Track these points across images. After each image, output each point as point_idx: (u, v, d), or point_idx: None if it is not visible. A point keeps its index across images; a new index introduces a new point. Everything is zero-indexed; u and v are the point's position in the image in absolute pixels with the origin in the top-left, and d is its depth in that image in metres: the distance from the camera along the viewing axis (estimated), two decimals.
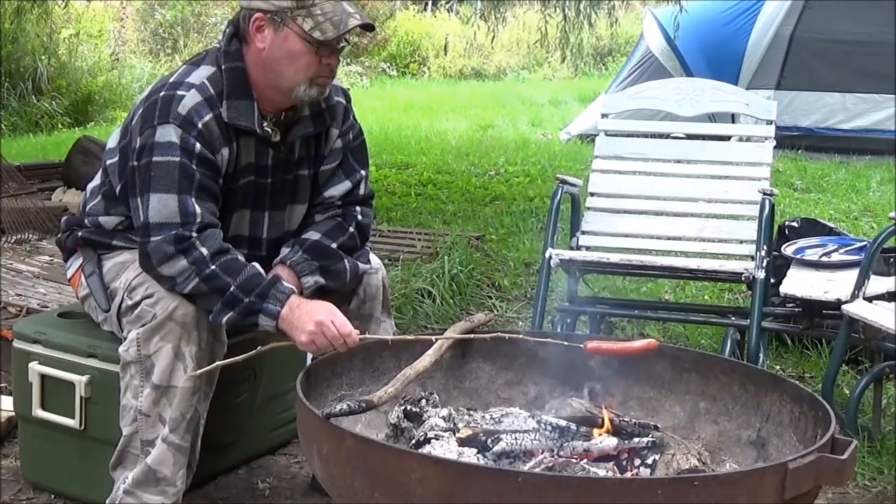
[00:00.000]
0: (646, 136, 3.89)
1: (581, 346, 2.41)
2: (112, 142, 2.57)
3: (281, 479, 2.87)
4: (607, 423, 2.25)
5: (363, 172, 2.68)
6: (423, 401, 2.37)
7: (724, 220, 3.63)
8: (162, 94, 2.40)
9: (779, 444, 2.25)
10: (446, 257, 4.61)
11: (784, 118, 7.40)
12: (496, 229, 5.61)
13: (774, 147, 3.65)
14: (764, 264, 3.27)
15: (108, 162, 2.54)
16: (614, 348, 2.40)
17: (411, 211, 6.08)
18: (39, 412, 2.67)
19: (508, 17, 7.26)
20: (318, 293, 2.49)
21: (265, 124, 2.46)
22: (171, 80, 2.44)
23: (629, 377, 2.50)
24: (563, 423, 2.24)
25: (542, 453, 2.14)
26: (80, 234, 2.58)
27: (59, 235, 2.68)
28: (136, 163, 2.38)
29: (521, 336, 2.49)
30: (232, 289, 2.31)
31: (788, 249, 3.65)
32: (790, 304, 3.52)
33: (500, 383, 2.58)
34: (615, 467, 2.15)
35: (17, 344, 2.73)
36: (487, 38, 8.37)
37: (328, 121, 2.57)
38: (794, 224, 3.99)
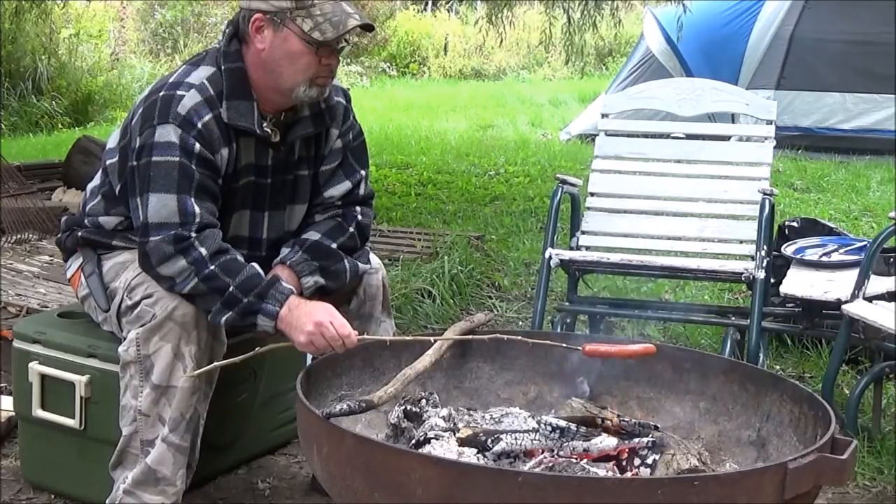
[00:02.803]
0: (646, 136, 3.89)
1: (579, 348, 2.41)
2: (112, 142, 2.57)
3: (281, 479, 2.87)
4: (610, 422, 2.25)
5: (363, 172, 2.68)
6: (423, 401, 2.37)
7: (724, 220, 3.63)
8: (161, 94, 2.40)
9: (779, 444, 2.25)
10: (446, 257, 4.61)
11: (784, 118, 7.40)
12: (496, 229, 5.62)
13: (774, 147, 3.65)
14: (764, 264, 3.27)
15: (108, 162, 2.54)
16: (612, 351, 2.40)
17: (411, 211, 6.08)
18: (39, 412, 2.67)
19: (507, 18, 7.23)
20: (318, 293, 2.49)
21: (265, 125, 2.46)
22: (170, 80, 2.44)
23: (629, 377, 2.50)
24: (563, 423, 2.24)
25: (542, 453, 2.14)
26: (79, 234, 2.58)
27: (59, 235, 2.68)
28: (135, 163, 2.38)
29: (519, 338, 2.49)
30: (231, 289, 2.31)
31: (788, 249, 3.65)
32: (790, 304, 3.52)
33: (500, 383, 2.58)
34: (615, 467, 2.15)
35: (17, 344, 2.73)
36: (496, 41, 8.36)
37: (328, 121, 2.57)
38: (794, 224, 3.99)
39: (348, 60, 14.73)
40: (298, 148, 2.57)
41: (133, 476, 2.41)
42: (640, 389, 2.50)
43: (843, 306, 3.04)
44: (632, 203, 3.73)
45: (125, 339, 2.41)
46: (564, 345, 2.46)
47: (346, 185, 2.64)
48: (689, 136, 3.82)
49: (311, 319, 2.29)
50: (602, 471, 2.10)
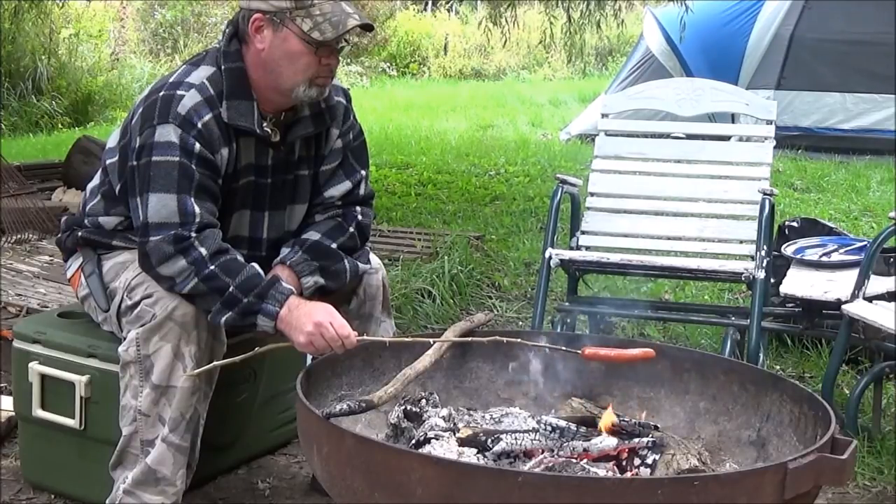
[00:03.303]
0: (646, 136, 3.89)
1: (579, 352, 2.41)
2: (112, 141, 2.57)
3: (281, 479, 2.87)
4: (609, 423, 2.25)
5: (363, 172, 2.68)
6: (423, 401, 2.37)
7: (724, 220, 3.62)
8: (162, 93, 2.40)
9: (779, 444, 2.25)
10: (446, 257, 4.61)
11: (784, 118, 7.40)
12: (496, 229, 5.62)
13: (774, 147, 3.65)
14: (764, 264, 3.26)
15: (108, 162, 2.54)
16: (612, 355, 2.40)
17: (411, 211, 6.08)
18: (39, 412, 2.67)
19: (510, 18, 7.25)
20: (318, 293, 2.49)
21: (265, 124, 2.46)
22: (170, 80, 2.44)
23: (629, 377, 2.50)
24: (563, 423, 2.24)
25: (542, 453, 2.14)
26: (79, 234, 2.58)
27: (59, 235, 2.68)
28: (135, 162, 2.38)
29: (518, 341, 2.49)
30: (231, 289, 2.31)
31: (788, 249, 3.65)
32: (790, 304, 3.52)
33: (500, 383, 2.58)
34: (615, 467, 2.15)
35: (17, 344, 2.73)
36: (500, 42, 8.37)
37: (328, 121, 2.57)
38: (794, 224, 3.99)
39: (348, 60, 14.74)
40: (298, 148, 2.57)
41: (133, 476, 2.41)
42: (640, 389, 2.50)
43: (843, 306, 3.04)
44: (632, 203, 3.73)
45: (125, 339, 2.41)
46: (564, 348, 2.47)
47: (346, 185, 2.63)
48: (689, 136, 3.82)
49: (310, 320, 2.29)
50: (602, 471, 2.09)
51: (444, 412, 2.30)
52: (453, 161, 7.81)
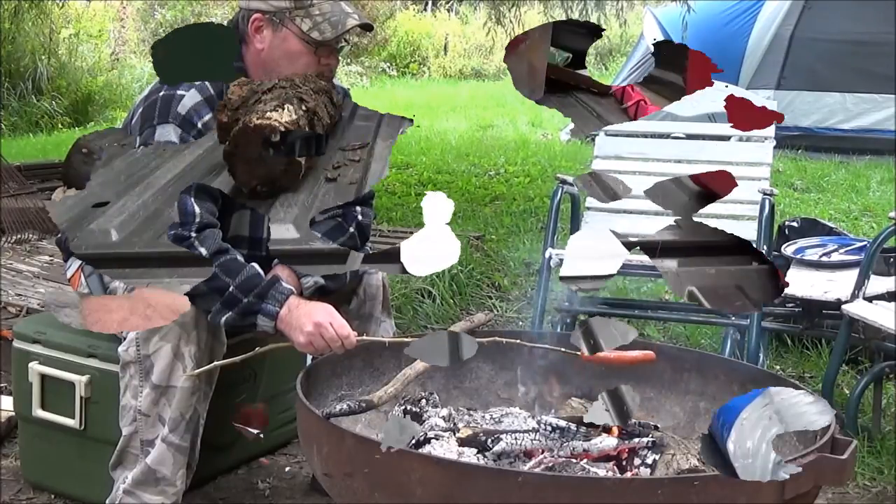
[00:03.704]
0: (646, 136, 3.89)
1: (579, 353, 2.41)
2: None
3: (281, 479, 2.87)
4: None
5: None
6: (423, 401, 2.37)
7: (724, 220, 3.62)
8: (161, 93, 2.40)
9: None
10: None
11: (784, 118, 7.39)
12: (496, 229, 5.61)
13: (774, 147, 3.65)
14: None
15: None
16: (611, 357, 2.40)
17: (411, 211, 6.07)
18: (39, 412, 2.67)
19: (511, 18, 7.27)
20: (318, 293, 2.49)
21: None
22: None
23: (629, 377, 2.50)
24: (563, 423, 2.24)
25: (542, 453, 2.14)
26: None
27: (59, 235, 2.68)
28: None
29: (518, 342, 2.49)
30: (231, 289, 2.31)
31: (788, 249, 3.65)
32: (790, 304, 3.52)
33: (500, 383, 2.58)
34: (615, 467, 2.14)
35: (17, 344, 2.73)
36: (504, 42, 8.37)
37: None
38: (794, 224, 3.99)
39: (348, 60, 14.74)
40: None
41: (133, 476, 2.41)
42: (640, 389, 2.50)
43: (843, 306, 3.04)
44: (632, 203, 3.73)
45: (125, 339, 2.41)
46: (563, 349, 2.46)
47: None
48: (689, 136, 3.82)
49: (310, 320, 2.28)
50: (602, 471, 2.09)
51: (444, 412, 2.30)
52: (453, 161, 7.80)
